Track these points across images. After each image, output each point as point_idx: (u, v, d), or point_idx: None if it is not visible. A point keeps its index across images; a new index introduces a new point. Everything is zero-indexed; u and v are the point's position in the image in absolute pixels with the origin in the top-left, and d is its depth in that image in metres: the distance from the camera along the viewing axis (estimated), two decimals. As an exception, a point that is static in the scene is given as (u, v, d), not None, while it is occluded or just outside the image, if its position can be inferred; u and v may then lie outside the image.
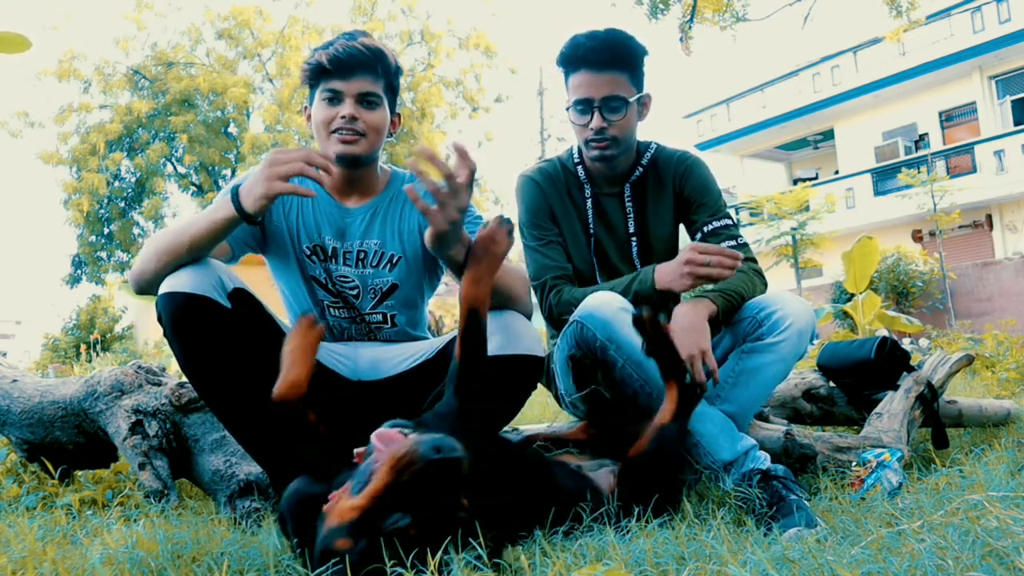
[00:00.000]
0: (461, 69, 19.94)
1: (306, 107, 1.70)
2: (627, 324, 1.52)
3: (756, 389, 1.67)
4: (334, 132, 1.60)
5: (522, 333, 1.48)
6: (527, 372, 1.49)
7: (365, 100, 1.61)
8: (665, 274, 1.67)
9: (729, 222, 1.90)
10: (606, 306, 1.60)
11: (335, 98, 1.60)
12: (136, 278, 1.50)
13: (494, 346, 1.40)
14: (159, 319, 1.44)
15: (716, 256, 1.56)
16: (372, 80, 1.61)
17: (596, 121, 1.81)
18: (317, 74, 1.61)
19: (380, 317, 1.74)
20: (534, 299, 1.95)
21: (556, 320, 1.83)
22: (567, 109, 1.89)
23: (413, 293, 1.75)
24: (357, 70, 1.59)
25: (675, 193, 1.95)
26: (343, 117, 1.59)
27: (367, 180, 1.71)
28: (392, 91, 1.68)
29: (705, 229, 1.89)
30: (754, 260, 1.88)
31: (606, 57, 1.79)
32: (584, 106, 1.83)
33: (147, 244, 1.51)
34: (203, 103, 17.94)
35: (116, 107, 17.56)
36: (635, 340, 1.49)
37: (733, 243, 1.83)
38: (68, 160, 17.23)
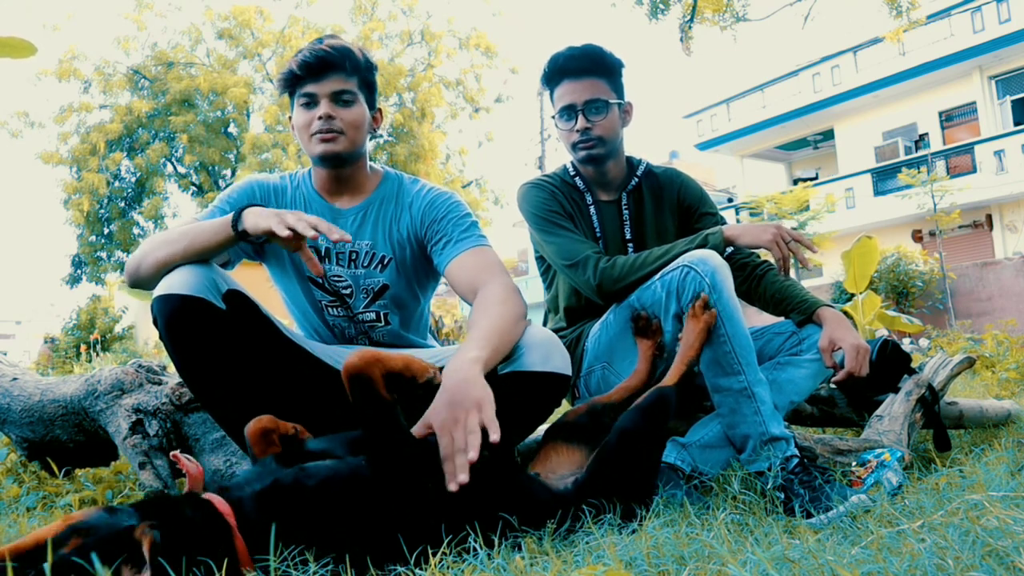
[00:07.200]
0: (461, 69, 19.95)
1: (290, 116, 1.74)
2: (731, 278, 1.63)
3: (780, 400, 1.75)
4: (314, 134, 1.63)
5: (554, 351, 1.49)
6: (556, 389, 1.50)
7: (339, 99, 1.64)
8: (744, 230, 1.78)
9: None
10: (714, 257, 1.65)
11: (311, 102, 1.64)
12: (131, 275, 1.54)
13: (528, 361, 1.43)
14: (154, 322, 1.46)
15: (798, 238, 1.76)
16: (344, 78, 1.64)
17: (580, 122, 1.90)
18: (291, 82, 1.65)
19: (373, 316, 1.75)
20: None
21: (610, 289, 1.80)
22: (552, 117, 2.00)
23: (404, 294, 1.76)
24: (327, 71, 1.62)
25: (678, 204, 2.05)
26: (320, 118, 1.62)
27: (356, 179, 1.72)
28: (368, 87, 1.70)
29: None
30: None
31: (584, 65, 1.91)
32: (568, 112, 1.93)
33: (144, 244, 1.54)
34: (203, 103, 17.94)
35: (116, 107, 17.56)
36: (735, 296, 1.63)
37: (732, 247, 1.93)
38: (68, 160, 17.23)
